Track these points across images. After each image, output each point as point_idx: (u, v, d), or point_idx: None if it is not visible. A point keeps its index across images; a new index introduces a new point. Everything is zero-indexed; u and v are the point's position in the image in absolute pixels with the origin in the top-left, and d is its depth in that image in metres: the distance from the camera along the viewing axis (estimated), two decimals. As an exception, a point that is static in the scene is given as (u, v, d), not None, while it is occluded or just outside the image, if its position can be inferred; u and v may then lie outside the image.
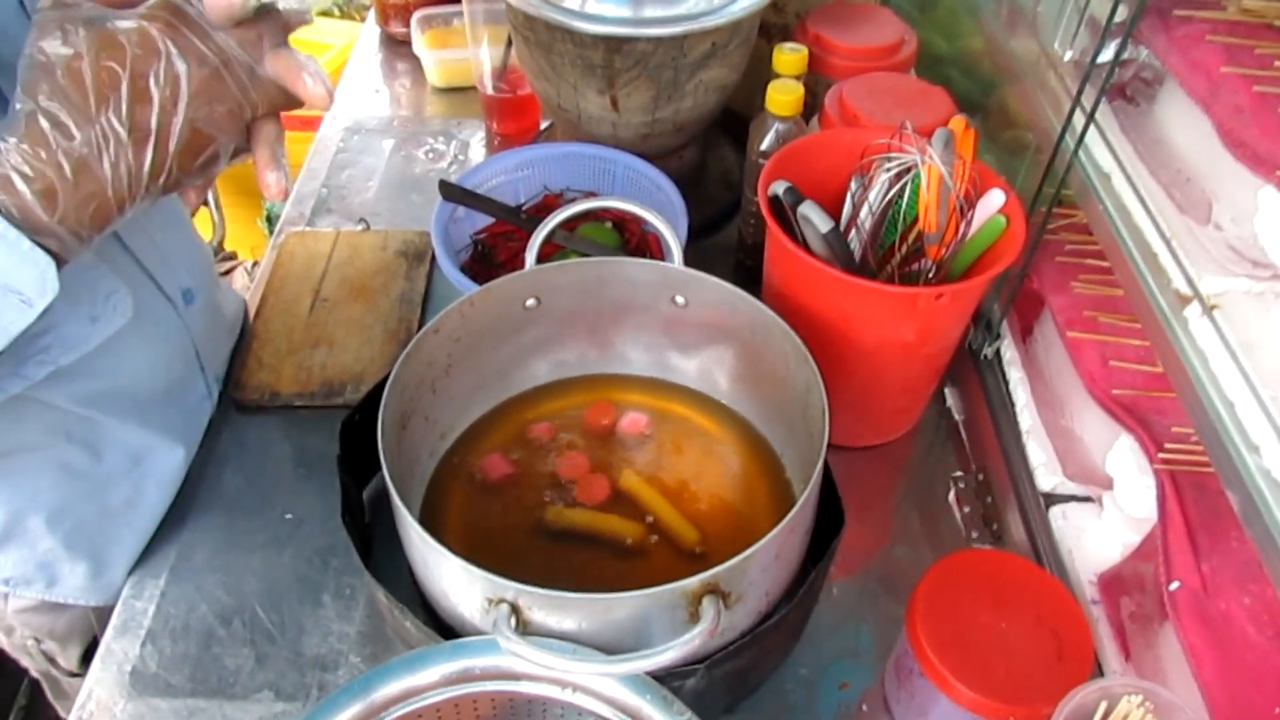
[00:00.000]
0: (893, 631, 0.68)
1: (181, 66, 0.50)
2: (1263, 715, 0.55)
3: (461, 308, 0.70)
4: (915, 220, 0.74)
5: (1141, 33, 0.66)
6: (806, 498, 0.58)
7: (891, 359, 0.77)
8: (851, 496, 0.66)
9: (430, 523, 0.72)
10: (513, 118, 1.20)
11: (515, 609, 0.54)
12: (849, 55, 0.95)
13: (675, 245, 0.75)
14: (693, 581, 0.53)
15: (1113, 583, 0.70)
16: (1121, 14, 0.66)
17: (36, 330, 0.52)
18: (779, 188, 0.74)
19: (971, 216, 0.73)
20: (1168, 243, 0.61)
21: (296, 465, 0.83)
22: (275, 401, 0.86)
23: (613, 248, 0.91)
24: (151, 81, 0.49)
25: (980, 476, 0.83)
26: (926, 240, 0.73)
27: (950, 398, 0.90)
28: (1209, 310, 0.57)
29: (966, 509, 0.81)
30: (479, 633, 0.58)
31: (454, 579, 0.57)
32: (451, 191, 0.91)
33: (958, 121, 0.73)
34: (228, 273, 1.75)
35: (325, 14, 2.02)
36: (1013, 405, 0.85)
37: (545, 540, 0.72)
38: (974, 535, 0.79)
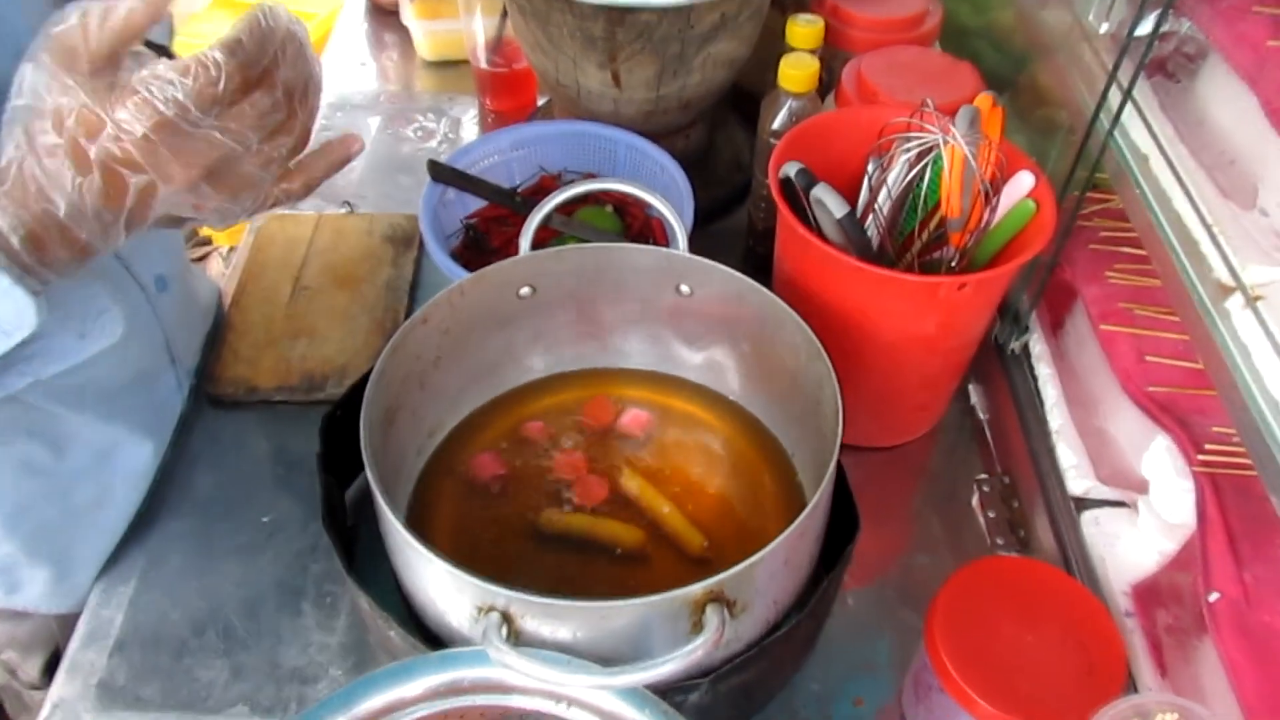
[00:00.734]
0: (911, 645, 0.68)
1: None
2: (1307, 735, 0.55)
3: (451, 296, 0.70)
4: (937, 205, 0.74)
5: (1183, 3, 0.66)
6: (818, 500, 0.58)
7: (911, 354, 0.77)
8: (867, 501, 0.66)
9: (417, 526, 0.72)
10: (507, 94, 1.20)
11: (506, 618, 0.54)
12: (868, 27, 0.95)
13: (680, 231, 0.75)
14: (696, 589, 0.54)
15: (1148, 594, 0.70)
16: (1161, -17, 0.66)
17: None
18: (791, 169, 0.74)
19: (997, 202, 0.73)
20: (1209, 229, 0.61)
21: (275, 464, 0.83)
22: (252, 396, 0.87)
23: (613, 233, 0.92)
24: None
25: (1006, 480, 0.83)
26: (949, 226, 0.73)
27: (974, 396, 0.91)
28: (1253, 302, 0.57)
29: (991, 514, 0.81)
30: (468, 643, 0.58)
31: (441, 585, 0.57)
32: (441, 172, 0.91)
33: (984, 99, 0.73)
34: (202, 259, 1.76)
35: (308, -18, 2.01)
36: (1041, 404, 0.86)
37: (539, 545, 0.72)
38: (999, 542, 0.80)
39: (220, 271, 1.68)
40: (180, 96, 0.48)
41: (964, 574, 0.63)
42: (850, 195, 0.75)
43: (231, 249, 1.76)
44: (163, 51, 0.55)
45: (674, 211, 0.76)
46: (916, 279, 0.72)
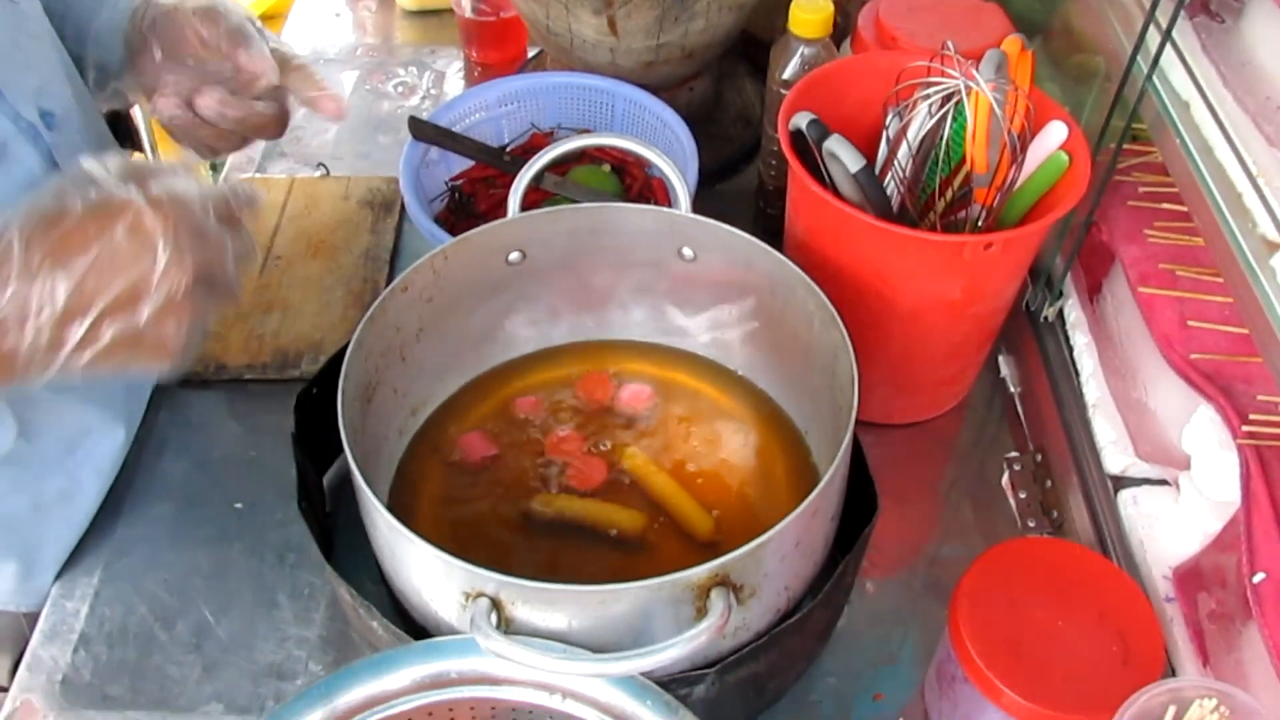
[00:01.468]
0: (936, 637, 0.69)
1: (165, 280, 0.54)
2: (1358, 725, 0.56)
3: (434, 262, 0.71)
4: (961, 161, 0.74)
5: (1227, -65, 0.67)
6: (831, 477, 0.59)
7: (934, 321, 0.78)
8: (889, 481, 0.67)
9: (400, 510, 0.72)
10: (495, 45, 1.21)
11: (496, 604, 0.55)
12: (887, -34, 0.95)
13: (683, 191, 0.76)
14: (699, 571, 0.54)
15: (1190, 577, 0.71)
16: (1203, -87, 0.66)
17: None
18: (802, 120, 0.74)
19: (1024, 158, 0.73)
20: (1254, 181, 0.61)
21: (246, 447, 0.84)
22: (221, 374, 0.88)
23: (611, 195, 0.92)
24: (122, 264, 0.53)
25: (1039, 457, 0.84)
26: (974, 183, 0.73)
27: (1005, 367, 0.91)
28: (1300, 258, 0.57)
29: (1022, 494, 0.82)
30: (455, 633, 0.59)
31: (427, 571, 0.58)
32: (424, 130, 0.91)
33: (1012, 42, 0.74)
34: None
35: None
36: (1077, 375, 0.86)
37: (532, 531, 0.73)
38: (1030, 524, 0.80)
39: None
40: None
41: (991, 556, 0.64)
42: (868, 151, 0.76)
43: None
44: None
45: (676, 170, 0.76)
46: (939, 238, 0.73)
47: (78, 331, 0.53)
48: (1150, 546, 0.74)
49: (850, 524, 0.67)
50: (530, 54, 1.20)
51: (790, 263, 0.70)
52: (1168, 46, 0.70)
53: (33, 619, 0.78)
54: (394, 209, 1.01)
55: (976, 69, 0.71)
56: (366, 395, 0.69)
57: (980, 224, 0.75)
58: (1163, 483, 0.78)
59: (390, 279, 0.96)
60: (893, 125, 0.77)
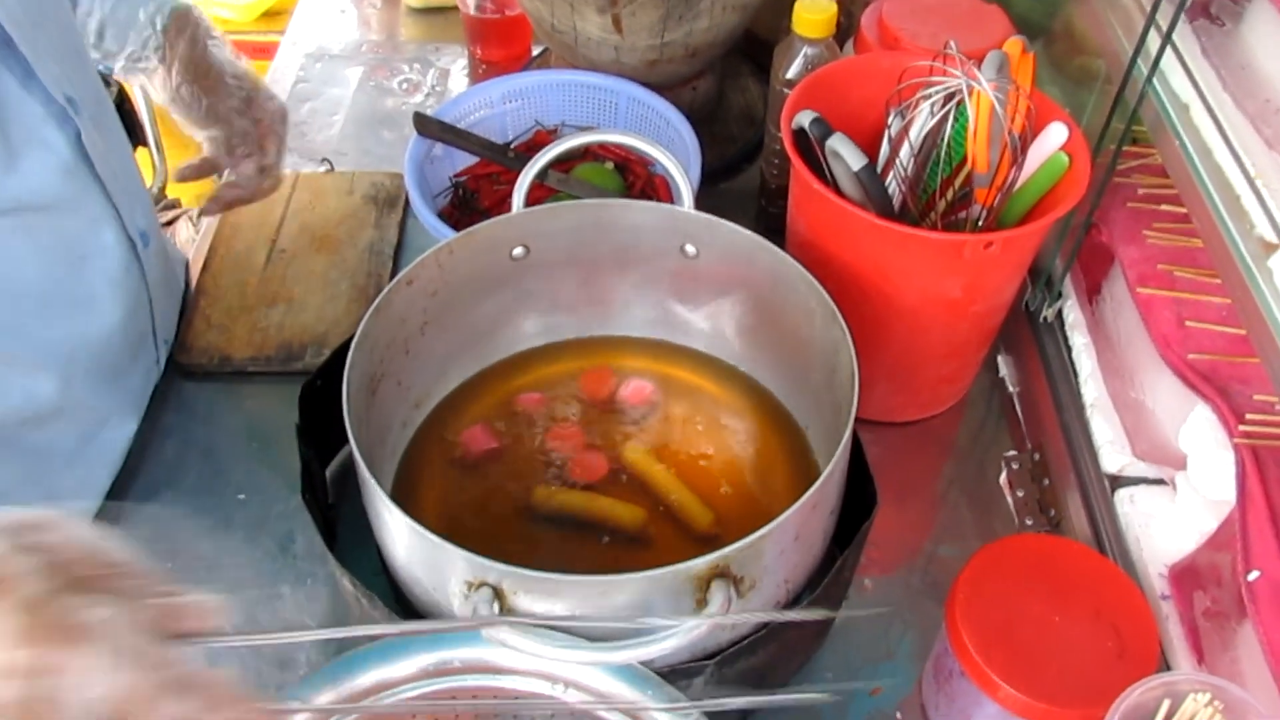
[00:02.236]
0: (934, 634, 0.69)
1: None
2: (1350, 721, 0.57)
3: (439, 256, 0.72)
4: (962, 162, 0.75)
5: (1227, -61, 0.67)
6: (831, 471, 0.60)
7: (935, 320, 0.78)
8: (888, 478, 0.67)
9: (402, 501, 0.73)
10: (499, 42, 1.22)
11: (498, 593, 0.56)
12: (890, -32, 0.96)
13: (686, 187, 0.77)
14: (700, 562, 0.55)
15: (1186, 575, 0.72)
16: (1204, -83, 0.67)
17: None
18: (805, 119, 0.75)
19: (1024, 159, 0.74)
20: (1252, 183, 0.62)
21: (250, 438, 0.85)
22: (226, 366, 0.88)
23: (614, 192, 0.93)
24: None
25: (1037, 456, 0.85)
26: (975, 182, 0.74)
27: (1003, 367, 0.92)
28: (1297, 259, 0.58)
29: (1020, 493, 0.83)
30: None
31: (429, 561, 0.59)
32: (428, 126, 0.92)
33: (1013, 44, 0.74)
34: (169, 224, 1.76)
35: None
36: (1076, 375, 0.87)
37: (533, 524, 0.74)
38: (1028, 522, 0.81)
39: (190, 238, 1.68)
40: None
41: (988, 552, 0.65)
42: (870, 150, 0.76)
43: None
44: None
45: (679, 167, 0.77)
46: (940, 236, 0.73)
47: None
48: (1146, 544, 0.75)
49: (849, 520, 0.67)
50: (535, 52, 1.20)
51: (792, 260, 0.71)
52: (1168, 50, 0.71)
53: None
54: (398, 204, 1.02)
55: (978, 70, 0.71)
56: (371, 388, 0.70)
57: (980, 224, 0.76)
58: (1159, 482, 0.79)
59: (394, 274, 0.96)
60: (895, 125, 0.78)
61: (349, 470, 0.64)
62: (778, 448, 0.78)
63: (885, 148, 0.79)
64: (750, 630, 0.62)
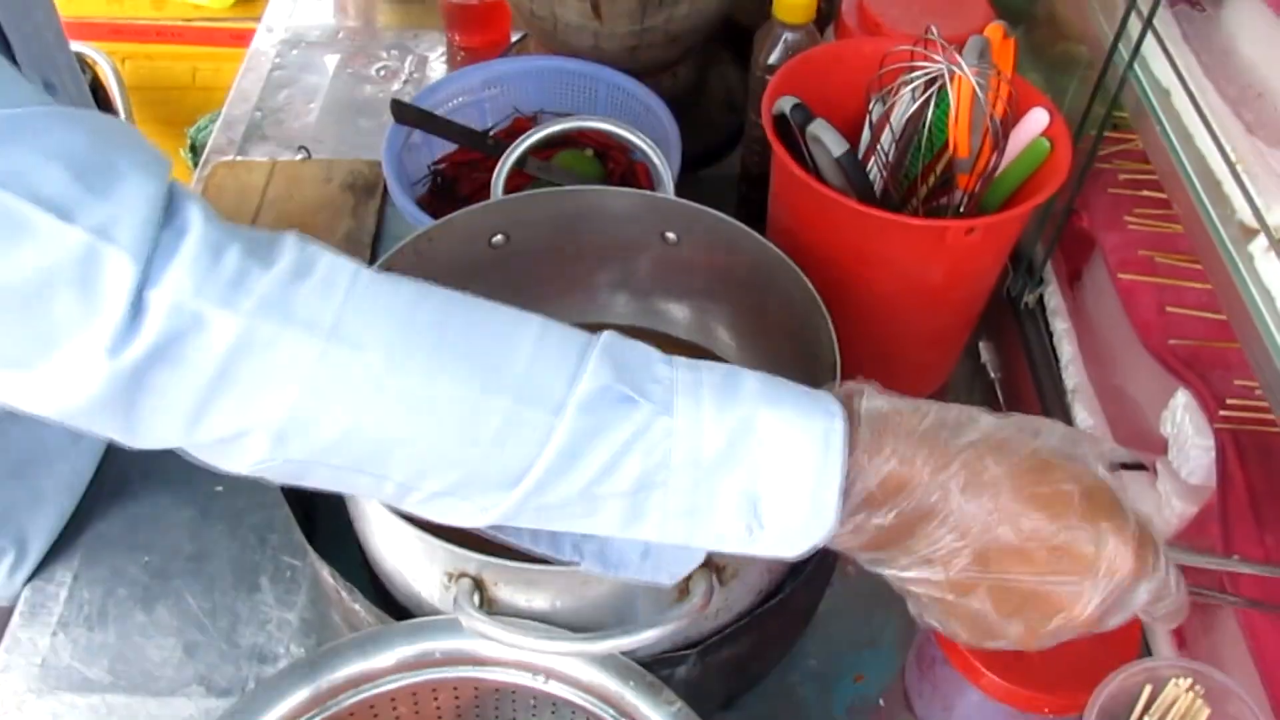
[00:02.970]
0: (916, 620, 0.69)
1: None
2: (1330, 705, 0.57)
3: (418, 244, 0.71)
4: (943, 148, 0.75)
5: (1207, -77, 0.67)
6: (814, 459, 0.59)
7: (916, 306, 0.78)
8: (869, 463, 0.67)
9: (383, 493, 0.73)
10: (478, 28, 1.21)
11: (479, 584, 0.55)
12: (871, -48, 0.95)
13: (666, 174, 0.76)
14: (682, 552, 0.55)
15: (1166, 561, 0.72)
16: (1185, -99, 0.66)
17: None
18: (786, 105, 0.75)
19: (1005, 145, 0.74)
20: (1232, 167, 0.62)
21: (228, 430, 0.84)
22: (202, 357, 0.87)
23: (594, 179, 0.92)
24: None
25: (1018, 443, 0.85)
26: (956, 168, 0.74)
27: (985, 353, 0.92)
28: (1277, 244, 0.58)
29: (1001, 479, 0.83)
30: (438, 614, 0.59)
31: (409, 552, 0.59)
32: (406, 113, 0.91)
33: (994, 29, 0.74)
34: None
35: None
36: (1057, 361, 0.87)
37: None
38: (1009, 509, 0.81)
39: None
40: None
41: (970, 539, 0.65)
42: (851, 137, 0.76)
43: (177, 202, 1.75)
44: None
45: (659, 152, 0.76)
46: (922, 222, 0.73)
47: None
48: (1127, 530, 0.75)
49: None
50: (514, 38, 1.19)
51: (773, 246, 0.70)
52: (1149, 35, 0.70)
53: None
54: (376, 192, 1.01)
55: (960, 55, 0.71)
56: (349, 377, 0.69)
57: (962, 209, 0.76)
58: (1141, 468, 0.79)
59: (372, 262, 0.95)
60: (876, 110, 0.77)
61: (328, 461, 0.63)
62: (760, 436, 0.78)
63: (866, 134, 0.79)
64: (733, 618, 0.62)
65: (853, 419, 0.48)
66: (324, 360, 0.42)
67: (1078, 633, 0.49)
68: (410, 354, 0.44)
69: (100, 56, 1.50)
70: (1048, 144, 0.74)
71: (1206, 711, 0.55)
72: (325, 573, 0.63)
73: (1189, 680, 0.55)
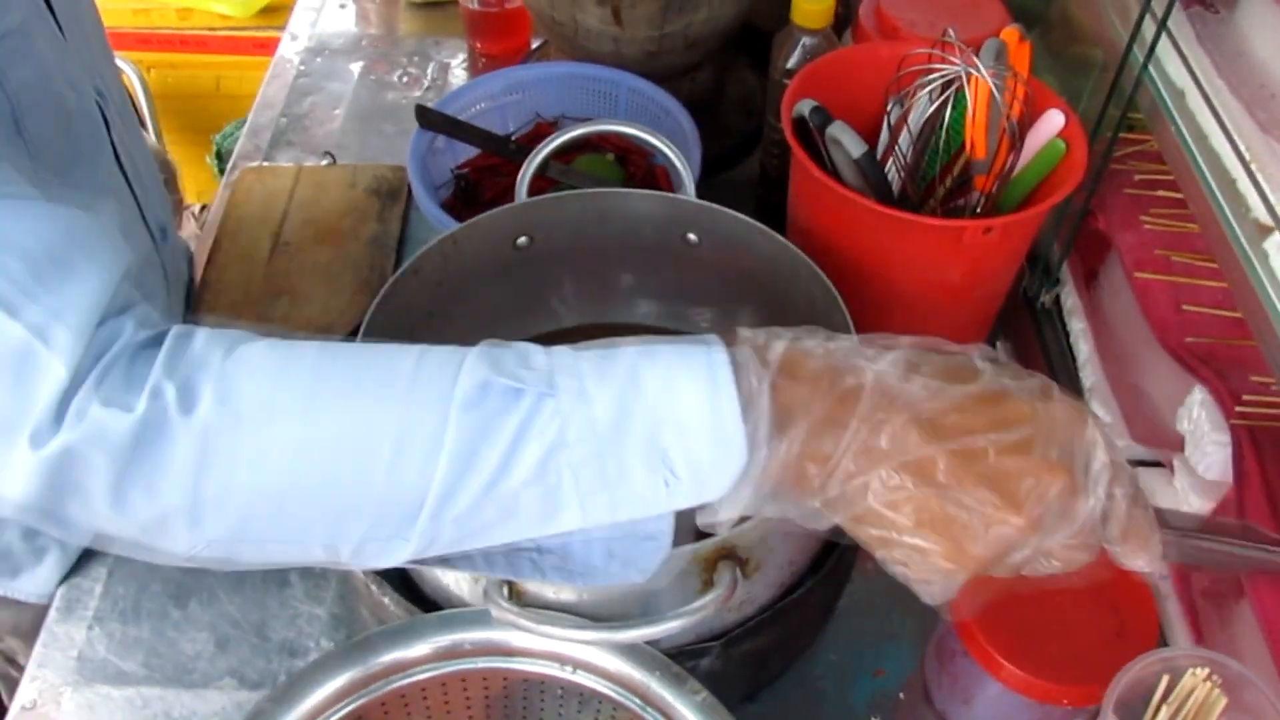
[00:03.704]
0: (935, 616, 0.70)
1: None
2: (1347, 696, 0.57)
3: (444, 246, 0.72)
4: (960, 149, 0.76)
5: (1221, -74, 0.68)
6: (835, 454, 0.60)
7: (934, 305, 0.79)
8: (889, 460, 0.67)
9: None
10: (499, 35, 1.22)
11: (508, 577, 0.56)
12: (888, -42, 0.96)
13: (687, 176, 0.77)
14: (707, 544, 0.56)
15: (1184, 556, 0.72)
16: (1199, -96, 0.67)
17: None
18: (805, 108, 0.76)
19: (1021, 146, 0.74)
20: (1247, 166, 0.63)
21: (257, 430, 0.85)
22: (232, 358, 0.89)
23: (615, 183, 0.93)
24: None
25: (1036, 441, 0.85)
26: (974, 169, 0.75)
27: (1002, 352, 0.93)
28: (1292, 241, 0.59)
29: (1019, 477, 0.83)
30: (466, 607, 0.60)
31: (439, 546, 0.60)
32: (430, 119, 0.93)
33: (1010, 32, 0.75)
34: (171, 219, 1.77)
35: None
36: (1074, 360, 0.87)
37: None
38: (1028, 506, 0.81)
39: (194, 233, 1.69)
40: None
41: (989, 533, 0.65)
42: (869, 139, 0.77)
43: (204, 206, 1.78)
44: None
45: (680, 154, 0.77)
46: (940, 223, 0.74)
47: None
48: (1145, 526, 0.76)
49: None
50: (534, 45, 1.21)
51: (793, 246, 0.71)
52: (1163, 36, 0.71)
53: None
54: (400, 197, 1.03)
55: (976, 57, 0.72)
56: (378, 376, 0.70)
57: (979, 210, 0.77)
58: (1157, 464, 0.79)
59: (397, 266, 0.97)
60: (894, 112, 0.78)
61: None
62: (780, 433, 0.79)
63: (884, 135, 0.80)
64: (756, 611, 0.63)
65: (743, 353, 0.47)
66: (207, 435, 0.44)
67: (1028, 546, 0.47)
68: (289, 403, 0.45)
69: (127, 66, 1.52)
70: (1063, 145, 0.75)
71: (1223, 701, 0.56)
72: (355, 567, 0.64)
73: (1206, 670, 0.55)
